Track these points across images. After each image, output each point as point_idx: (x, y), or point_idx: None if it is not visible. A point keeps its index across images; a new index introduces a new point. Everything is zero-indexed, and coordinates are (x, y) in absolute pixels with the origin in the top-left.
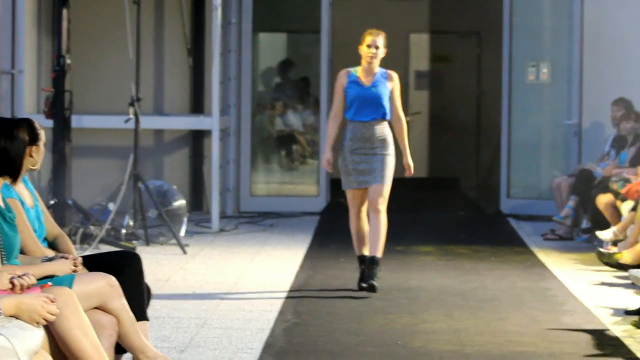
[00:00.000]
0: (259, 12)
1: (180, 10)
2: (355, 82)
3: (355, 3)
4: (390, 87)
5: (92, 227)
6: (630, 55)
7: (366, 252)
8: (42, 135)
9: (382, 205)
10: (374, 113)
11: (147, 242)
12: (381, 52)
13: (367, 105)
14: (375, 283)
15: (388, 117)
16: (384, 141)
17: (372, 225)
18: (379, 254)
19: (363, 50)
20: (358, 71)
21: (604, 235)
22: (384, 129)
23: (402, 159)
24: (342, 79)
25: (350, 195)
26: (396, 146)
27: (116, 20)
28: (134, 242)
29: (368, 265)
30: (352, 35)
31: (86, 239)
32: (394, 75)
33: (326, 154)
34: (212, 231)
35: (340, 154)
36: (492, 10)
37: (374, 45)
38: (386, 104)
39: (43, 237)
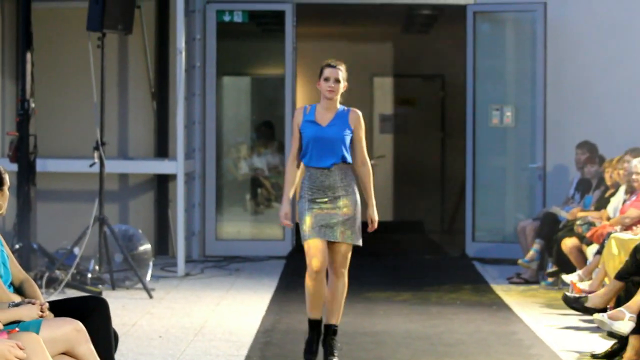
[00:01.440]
0: (222, 56)
1: (144, 54)
2: (311, 121)
3: (318, 46)
4: (353, 125)
5: (57, 272)
6: (593, 99)
7: (320, 316)
8: (7, 179)
9: (345, 268)
10: (332, 157)
11: (113, 286)
12: (342, 86)
13: (324, 148)
14: (336, 358)
15: (349, 160)
16: (347, 189)
17: (332, 289)
18: (338, 321)
19: (321, 84)
20: (316, 109)
21: (570, 278)
22: (346, 175)
23: (366, 209)
24: (297, 117)
25: (309, 248)
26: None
27: (80, 63)
28: (100, 286)
29: (326, 336)
30: (315, 79)
31: (52, 283)
32: (357, 113)
33: (283, 207)
34: (178, 275)
35: (298, 201)
36: (456, 54)
37: (332, 79)
38: (346, 146)
39: (9, 282)
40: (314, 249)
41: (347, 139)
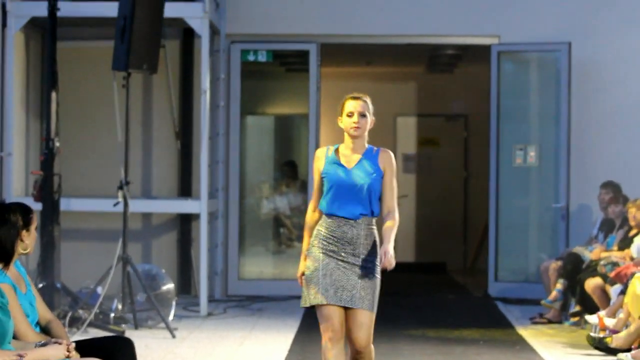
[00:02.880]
0: (246, 95)
1: (168, 93)
2: (334, 162)
3: (342, 86)
4: (383, 168)
5: (80, 311)
6: (617, 139)
7: None
8: (35, 218)
9: (368, 341)
10: (357, 207)
11: (136, 326)
12: (369, 121)
13: (349, 194)
14: None
15: (378, 213)
16: (370, 247)
17: None
18: None
19: (343, 121)
20: (339, 149)
21: (593, 319)
22: (371, 230)
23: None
24: (318, 160)
25: (323, 316)
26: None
27: (105, 103)
28: (123, 325)
29: None
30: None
31: (75, 322)
32: (389, 153)
33: (300, 267)
34: (201, 315)
35: (309, 254)
36: (479, 93)
37: (357, 113)
38: (375, 194)
39: (36, 322)
40: (329, 318)
41: (378, 185)
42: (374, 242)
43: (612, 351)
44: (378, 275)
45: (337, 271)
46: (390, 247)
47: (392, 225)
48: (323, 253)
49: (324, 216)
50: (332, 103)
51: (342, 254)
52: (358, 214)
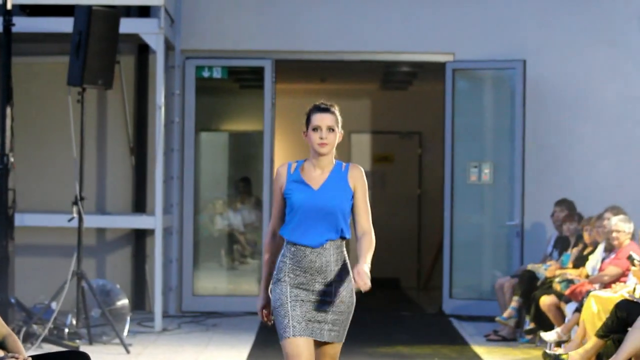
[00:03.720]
0: (201, 111)
1: (123, 109)
2: (298, 181)
3: (297, 103)
4: (353, 186)
5: (35, 326)
6: (572, 157)
7: None
8: None
9: None
10: (327, 232)
11: (90, 341)
12: (337, 136)
13: (316, 219)
14: None
15: (349, 235)
16: (342, 274)
17: None
18: None
19: (309, 136)
20: (304, 166)
21: (548, 336)
22: (341, 254)
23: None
24: (280, 177)
25: (292, 349)
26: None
27: (60, 118)
28: (77, 341)
29: None
30: (294, 134)
31: (29, 338)
32: (359, 170)
33: (260, 299)
34: (155, 330)
35: (272, 284)
36: (434, 111)
37: (325, 127)
38: (345, 216)
39: None
40: (299, 351)
41: (348, 206)
42: (345, 265)
43: None
44: (352, 300)
45: (309, 304)
46: (365, 266)
47: (368, 245)
48: (292, 286)
49: (286, 244)
50: (286, 120)
51: (313, 285)
52: (324, 240)
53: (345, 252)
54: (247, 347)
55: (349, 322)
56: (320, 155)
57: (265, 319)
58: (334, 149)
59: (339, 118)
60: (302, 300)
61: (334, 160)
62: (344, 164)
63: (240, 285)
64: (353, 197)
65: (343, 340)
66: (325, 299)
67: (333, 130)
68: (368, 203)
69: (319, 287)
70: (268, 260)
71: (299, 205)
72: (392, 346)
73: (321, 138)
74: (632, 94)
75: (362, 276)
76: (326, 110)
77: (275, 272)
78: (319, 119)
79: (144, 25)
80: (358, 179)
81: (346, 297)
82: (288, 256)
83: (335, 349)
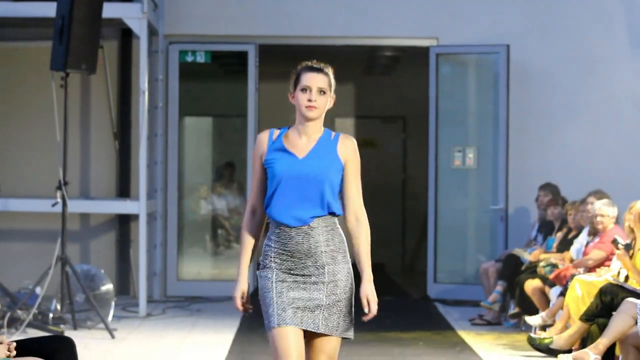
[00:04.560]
0: (185, 96)
1: (107, 94)
2: (281, 150)
3: (281, 87)
4: (344, 159)
5: (19, 311)
6: (556, 141)
7: None
8: None
9: None
10: (313, 207)
11: (75, 326)
12: (328, 100)
13: (302, 192)
14: None
15: (338, 211)
16: (335, 255)
17: None
18: None
19: (296, 97)
20: (288, 134)
21: (533, 320)
22: (333, 234)
23: (360, 286)
24: (260, 145)
25: (279, 340)
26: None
27: (43, 103)
28: (62, 326)
29: None
30: (278, 119)
31: (13, 323)
32: (351, 141)
33: (238, 285)
34: (140, 315)
35: (259, 271)
36: (418, 95)
37: (315, 88)
38: (334, 190)
39: None
40: (286, 342)
41: (337, 179)
42: (340, 247)
43: (552, 352)
44: (349, 284)
45: (297, 290)
46: (370, 286)
47: (365, 244)
48: (278, 271)
49: (271, 225)
50: (270, 104)
51: (302, 270)
52: (311, 217)
53: (339, 230)
54: (231, 331)
55: (351, 314)
56: (308, 121)
57: (242, 308)
58: (323, 115)
59: (333, 81)
60: (290, 287)
61: (322, 128)
62: (333, 132)
63: (225, 270)
64: (343, 171)
65: (343, 336)
66: (316, 284)
67: (324, 93)
68: (359, 181)
69: (309, 272)
70: (244, 241)
71: (280, 175)
72: (376, 331)
73: (309, 100)
74: (617, 78)
75: (372, 303)
76: (319, 70)
77: (261, 258)
78: (310, 78)
79: (127, 10)
80: (350, 151)
81: (341, 280)
82: (273, 239)
83: (332, 344)
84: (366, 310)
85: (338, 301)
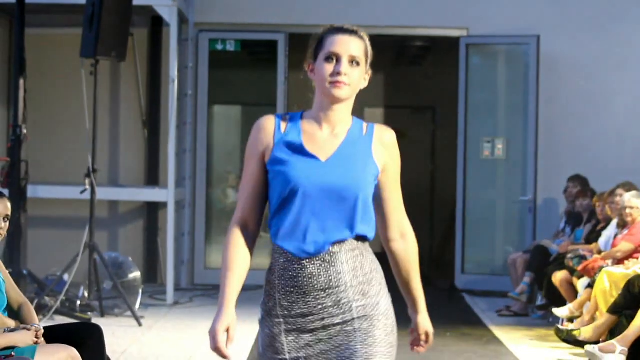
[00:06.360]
0: (214, 84)
1: (136, 82)
2: (295, 147)
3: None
4: (382, 161)
5: (47, 298)
6: (585, 132)
7: None
8: (8, 206)
9: None
10: (338, 228)
11: (102, 313)
12: (360, 75)
13: (323, 209)
14: None
15: (371, 235)
16: (366, 287)
17: None
18: None
19: (318, 70)
20: (304, 124)
21: (560, 312)
22: (363, 261)
23: (413, 319)
24: (263, 137)
25: None
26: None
27: (73, 90)
28: (89, 313)
29: None
30: (307, 108)
31: (41, 309)
32: (391, 135)
33: (222, 317)
34: (167, 303)
35: (262, 324)
36: (447, 86)
37: (347, 57)
38: (369, 204)
39: (4, 307)
40: None
41: (372, 189)
42: (373, 275)
43: (580, 344)
44: (392, 331)
45: (314, 347)
46: (428, 319)
47: (415, 268)
48: (285, 318)
49: (273, 251)
50: (299, 93)
51: (320, 313)
52: (328, 242)
53: (370, 255)
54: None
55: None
56: (333, 103)
57: (222, 347)
58: (354, 97)
59: (370, 49)
60: (309, 345)
61: (351, 117)
62: (365, 123)
63: (253, 258)
64: (379, 176)
65: None
66: (339, 335)
67: (358, 64)
68: (400, 188)
69: (331, 316)
70: (231, 260)
71: (295, 185)
72: (404, 322)
73: (338, 73)
74: None
75: (431, 336)
76: (351, 32)
77: (262, 300)
78: (339, 43)
79: None
80: (390, 150)
81: (379, 320)
82: (277, 273)
83: None
84: (419, 342)
85: (376, 353)
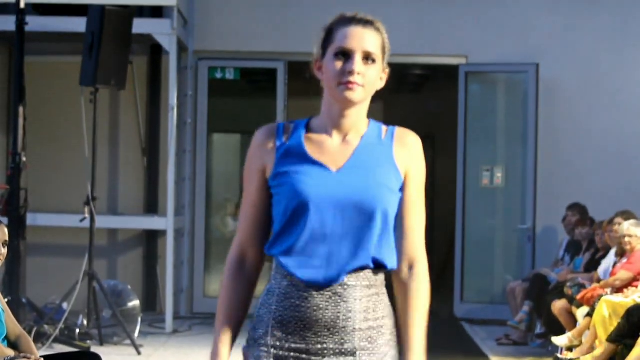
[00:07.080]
0: (214, 112)
1: (136, 110)
2: (300, 156)
3: (310, 105)
4: (404, 169)
5: (46, 326)
6: (584, 161)
7: None
8: (5, 232)
9: None
10: (353, 256)
11: (101, 342)
12: (376, 75)
13: (335, 229)
14: None
15: (392, 263)
16: (374, 334)
17: None
18: None
19: (327, 67)
20: (309, 132)
21: (559, 340)
22: (377, 300)
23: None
24: (261, 151)
25: None
26: None
27: (72, 118)
28: (88, 342)
29: None
30: None
31: (40, 338)
32: (414, 139)
33: (216, 355)
34: (166, 332)
35: (246, 349)
36: (447, 114)
37: (360, 52)
38: (388, 222)
39: (3, 336)
40: None
41: (394, 206)
42: (385, 322)
43: None
44: None
45: None
46: None
47: (423, 307)
48: (276, 352)
49: (275, 271)
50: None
51: (318, 356)
52: (344, 271)
53: (385, 297)
54: None
55: None
56: (345, 108)
57: None
58: (369, 99)
59: (387, 43)
60: None
61: (367, 120)
62: (384, 126)
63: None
64: (403, 188)
65: None
66: None
67: (374, 61)
68: (423, 204)
69: (330, 356)
70: (225, 300)
71: (301, 199)
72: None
73: (350, 72)
74: None
75: None
76: (366, 23)
77: (252, 325)
78: (352, 35)
79: (157, 26)
80: (414, 154)
81: None
82: (275, 298)
83: None
84: None
85: None
